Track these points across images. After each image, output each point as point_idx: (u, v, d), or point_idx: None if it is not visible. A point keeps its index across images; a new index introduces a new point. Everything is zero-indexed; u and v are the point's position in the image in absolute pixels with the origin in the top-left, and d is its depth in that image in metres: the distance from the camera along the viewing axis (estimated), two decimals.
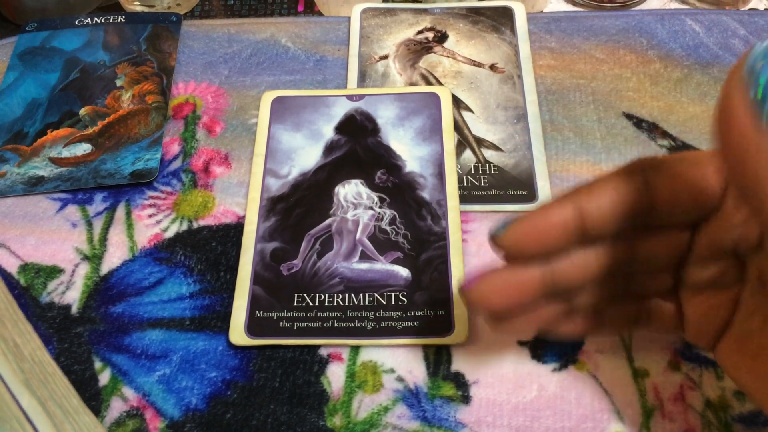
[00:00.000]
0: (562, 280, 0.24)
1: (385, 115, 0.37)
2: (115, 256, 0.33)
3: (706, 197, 0.23)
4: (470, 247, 0.33)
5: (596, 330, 0.27)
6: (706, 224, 0.23)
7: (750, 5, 0.44)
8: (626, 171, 0.23)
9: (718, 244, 0.23)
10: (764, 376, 0.22)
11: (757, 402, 0.24)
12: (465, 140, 0.36)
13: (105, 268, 0.33)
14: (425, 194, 0.34)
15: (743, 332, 0.23)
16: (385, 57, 0.40)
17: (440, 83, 0.39)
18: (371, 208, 0.34)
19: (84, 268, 0.33)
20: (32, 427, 0.22)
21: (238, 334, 0.30)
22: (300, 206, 0.34)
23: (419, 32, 0.41)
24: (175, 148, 0.37)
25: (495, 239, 0.24)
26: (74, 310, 0.31)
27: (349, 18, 0.42)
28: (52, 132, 0.38)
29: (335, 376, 0.29)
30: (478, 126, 0.37)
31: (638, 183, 0.23)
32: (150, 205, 0.35)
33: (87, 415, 0.25)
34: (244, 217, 0.34)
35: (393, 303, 0.30)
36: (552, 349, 0.29)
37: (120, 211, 0.35)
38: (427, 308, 0.30)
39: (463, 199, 0.34)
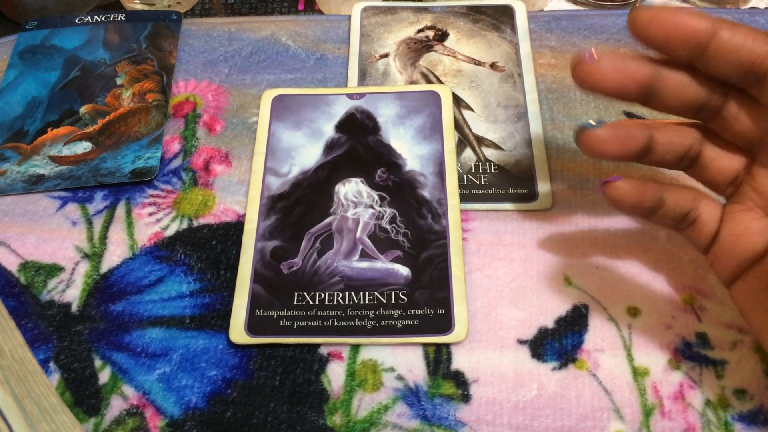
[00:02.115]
0: (661, 91, 0.26)
1: (385, 114, 0.37)
2: (115, 255, 0.33)
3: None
4: (470, 246, 0.33)
5: (650, 213, 0.28)
6: None
7: (750, 4, 0.44)
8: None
9: None
10: None
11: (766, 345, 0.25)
12: (465, 139, 0.36)
13: (105, 266, 0.33)
14: (425, 193, 0.34)
15: None
16: (386, 55, 0.40)
17: (441, 82, 0.39)
18: (371, 206, 0.34)
19: (84, 267, 0.33)
20: (6, 424, 0.22)
21: (238, 332, 0.30)
22: (300, 205, 0.34)
23: (420, 31, 0.41)
24: (176, 147, 0.37)
25: (635, 12, 0.25)
26: (74, 308, 0.31)
27: (350, 16, 0.42)
28: (52, 130, 0.38)
29: (335, 375, 0.29)
30: (478, 124, 0.37)
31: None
32: (150, 204, 0.35)
33: (65, 414, 0.25)
34: (244, 215, 0.34)
35: (393, 301, 0.30)
36: (552, 348, 0.29)
37: (120, 210, 0.35)
38: (427, 307, 0.30)
39: (464, 198, 0.34)
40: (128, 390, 0.29)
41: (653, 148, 0.27)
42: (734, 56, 0.25)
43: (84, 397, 0.29)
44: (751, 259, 0.26)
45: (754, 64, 0.24)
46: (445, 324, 0.30)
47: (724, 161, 0.28)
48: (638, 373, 0.29)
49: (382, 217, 0.33)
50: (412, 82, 0.39)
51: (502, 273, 0.32)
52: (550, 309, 0.30)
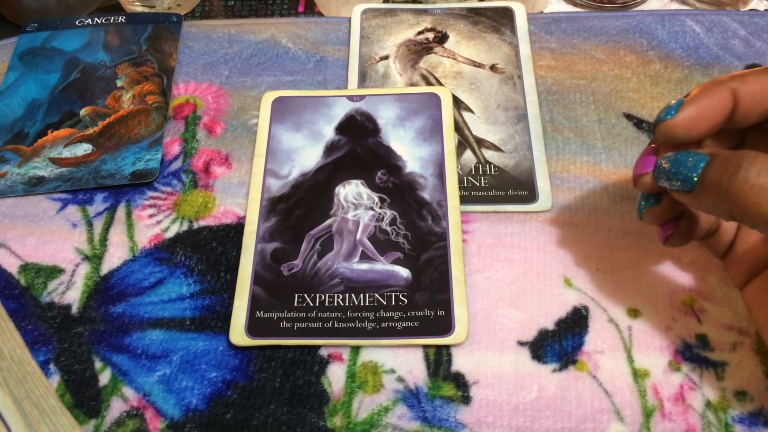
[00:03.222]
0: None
1: (385, 116, 0.37)
2: (115, 256, 0.33)
3: None
4: (470, 248, 0.33)
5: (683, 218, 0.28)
6: None
7: (750, 6, 0.44)
8: None
9: None
10: None
11: None
12: (465, 141, 0.36)
13: (105, 268, 0.33)
14: (426, 195, 0.34)
15: None
16: (386, 57, 0.40)
17: (441, 84, 0.39)
18: (372, 208, 0.34)
19: (84, 268, 0.33)
20: (5, 426, 0.22)
21: (238, 334, 0.30)
22: (300, 206, 0.34)
23: (420, 33, 0.41)
24: (176, 149, 0.37)
25: (661, 123, 0.26)
26: (74, 310, 0.31)
27: (350, 18, 0.42)
28: (52, 132, 0.38)
29: (335, 377, 0.29)
30: (478, 126, 0.37)
31: None
32: (150, 206, 0.35)
33: (64, 416, 0.25)
34: (244, 217, 0.34)
35: (393, 303, 0.30)
36: (552, 350, 0.29)
37: (120, 212, 0.35)
38: (427, 308, 0.30)
39: (464, 200, 0.34)
40: (128, 392, 0.29)
41: (738, 104, 0.26)
42: (760, 106, 0.25)
43: (84, 398, 0.29)
44: (763, 265, 0.27)
45: None
46: (445, 326, 0.30)
47: None
48: (638, 375, 0.29)
49: (383, 219, 0.33)
50: (412, 84, 0.39)
51: (502, 275, 0.32)
52: (551, 310, 0.30)
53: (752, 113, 0.25)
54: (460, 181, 0.35)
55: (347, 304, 0.31)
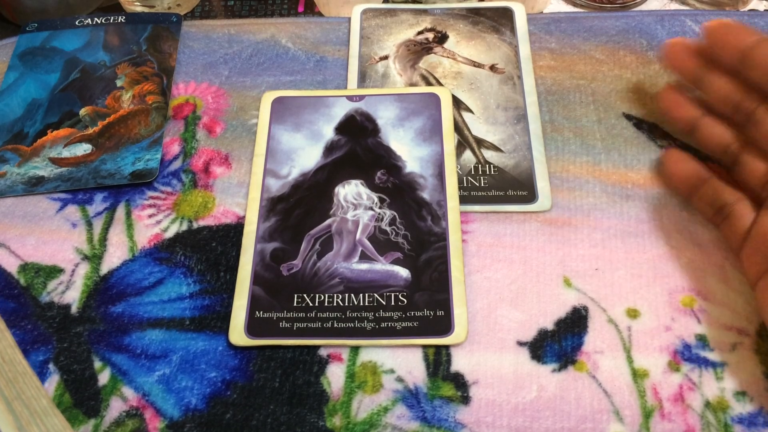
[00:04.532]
0: (706, 84, 0.32)
1: (385, 116, 0.37)
2: (115, 256, 0.33)
3: None
4: (470, 248, 0.33)
5: (691, 193, 0.32)
6: None
7: (750, 6, 0.44)
8: None
9: None
10: None
11: None
12: (465, 141, 0.36)
13: (105, 268, 0.33)
14: (425, 195, 0.34)
15: None
16: (386, 57, 0.40)
17: (440, 84, 0.39)
18: (371, 208, 0.34)
19: (84, 268, 0.33)
20: None
21: (237, 334, 0.30)
22: (300, 206, 0.34)
23: (419, 33, 0.41)
24: (176, 149, 0.37)
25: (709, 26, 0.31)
26: (74, 309, 0.31)
27: (350, 18, 0.42)
28: (52, 132, 0.38)
29: (335, 377, 0.29)
30: (478, 126, 0.37)
31: None
32: (150, 206, 0.35)
33: (56, 417, 0.25)
34: (244, 217, 0.34)
35: (393, 303, 0.30)
36: (551, 350, 0.29)
37: (120, 211, 0.35)
38: (426, 309, 0.30)
39: (463, 200, 0.34)
40: (128, 391, 0.29)
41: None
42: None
43: (83, 398, 0.29)
44: None
45: None
46: (444, 326, 0.30)
47: (758, 165, 0.30)
48: (638, 375, 0.29)
49: (382, 219, 0.33)
50: (412, 84, 0.39)
51: (501, 275, 0.32)
52: (550, 311, 0.31)
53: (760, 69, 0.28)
54: (460, 181, 0.35)
55: (347, 304, 0.31)
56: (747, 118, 0.30)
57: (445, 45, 0.40)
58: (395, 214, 0.33)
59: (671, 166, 0.33)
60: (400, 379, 0.29)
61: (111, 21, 0.43)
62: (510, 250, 0.32)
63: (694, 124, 0.33)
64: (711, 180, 0.32)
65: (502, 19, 0.41)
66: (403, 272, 0.31)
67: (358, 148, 0.36)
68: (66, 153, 0.37)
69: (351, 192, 0.34)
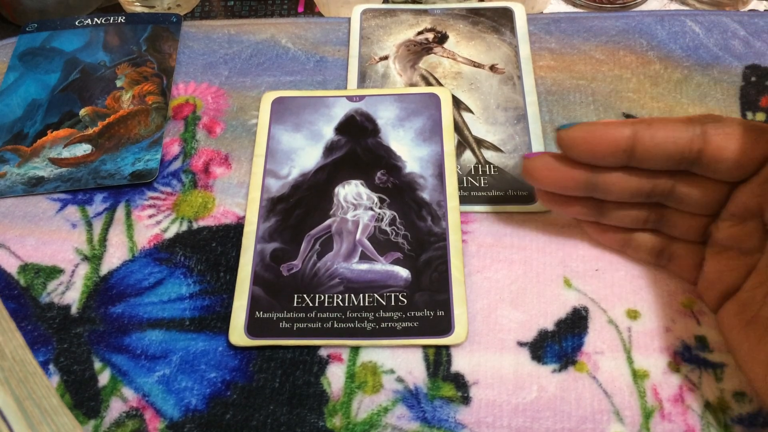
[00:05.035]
0: (602, 189, 0.28)
1: (385, 116, 0.37)
2: (114, 257, 0.33)
3: (752, 161, 0.25)
4: (470, 248, 0.33)
5: (622, 248, 0.31)
6: (743, 184, 0.26)
7: (750, 6, 0.44)
8: (689, 118, 0.26)
9: (749, 206, 0.26)
10: (753, 343, 0.25)
11: (741, 366, 0.27)
12: (465, 141, 0.36)
13: (105, 268, 0.33)
14: (425, 195, 0.34)
15: (747, 299, 0.26)
16: (385, 58, 0.40)
17: (440, 84, 0.39)
18: (371, 208, 0.34)
19: (84, 269, 0.33)
20: (6, 426, 0.22)
21: (237, 334, 0.30)
22: (300, 207, 0.34)
23: (419, 33, 0.41)
24: (175, 149, 0.37)
25: (560, 132, 0.27)
26: (74, 310, 0.31)
27: (349, 19, 0.42)
28: (52, 132, 0.38)
29: (335, 377, 0.29)
30: (478, 127, 0.37)
31: (696, 130, 0.25)
32: (150, 206, 0.35)
33: (66, 416, 0.25)
34: (244, 217, 0.34)
35: (393, 303, 0.30)
36: (552, 350, 0.29)
37: (120, 212, 0.35)
38: (427, 309, 0.30)
39: (463, 200, 0.34)
40: (128, 392, 0.29)
41: (637, 147, 0.26)
42: (661, 152, 0.26)
43: (83, 399, 0.29)
44: (733, 291, 0.27)
45: (682, 153, 0.26)
46: (445, 326, 0.30)
47: (689, 222, 0.29)
48: (638, 376, 0.29)
49: (382, 219, 0.33)
50: (412, 85, 0.39)
51: (501, 275, 0.32)
52: (550, 311, 0.30)
53: (654, 157, 0.26)
54: (460, 181, 0.35)
55: (347, 304, 0.31)
56: (663, 197, 0.28)
57: (445, 45, 0.40)
58: (395, 214, 0.33)
59: (540, 180, 0.29)
60: (400, 380, 0.29)
61: (111, 21, 0.43)
62: (510, 251, 0.32)
63: (633, 140, 0.27)
64: (636, 235, 0.30)
65: (502, 19, 0.41)
66: (403, 272, 0.31)
67: (358, 148, 0.36)
68: (66, 153, 0.37)
69: (351, 192, 0.34)
